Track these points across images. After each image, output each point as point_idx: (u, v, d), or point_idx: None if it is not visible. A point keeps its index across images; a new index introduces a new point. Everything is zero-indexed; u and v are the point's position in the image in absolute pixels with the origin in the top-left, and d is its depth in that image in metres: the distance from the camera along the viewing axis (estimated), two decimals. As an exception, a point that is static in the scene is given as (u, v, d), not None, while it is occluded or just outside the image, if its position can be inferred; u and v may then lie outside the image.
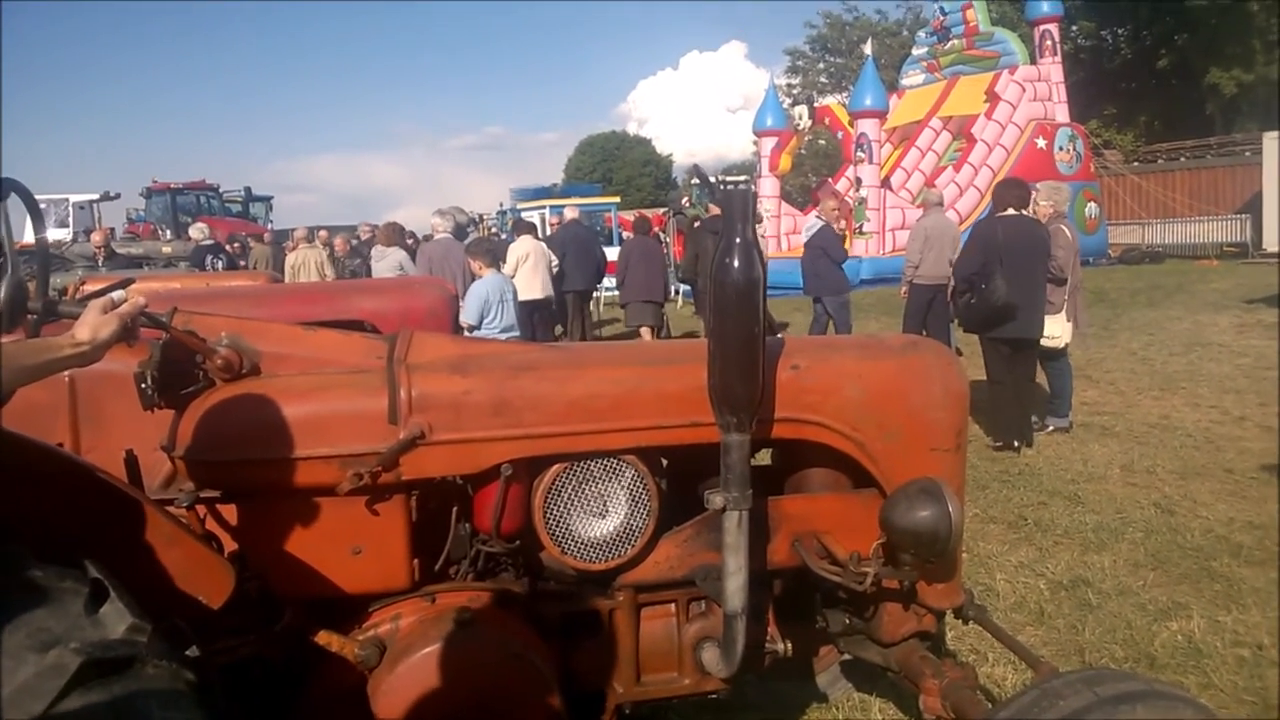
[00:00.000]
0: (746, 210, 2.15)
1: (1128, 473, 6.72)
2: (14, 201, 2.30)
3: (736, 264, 2.12)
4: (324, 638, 2.26)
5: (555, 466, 2.36)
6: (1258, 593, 4.54)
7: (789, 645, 2.60)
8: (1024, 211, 7.48)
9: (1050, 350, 7.74)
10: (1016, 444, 7.38)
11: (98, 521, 1.87)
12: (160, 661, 1.61)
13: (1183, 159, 30.38)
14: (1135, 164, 31.38)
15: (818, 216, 10.95)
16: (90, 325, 1.93)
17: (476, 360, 2.35)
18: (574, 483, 2.38)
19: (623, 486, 2.41)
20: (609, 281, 15.29)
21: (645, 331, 12.59)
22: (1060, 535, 5.50)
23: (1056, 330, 7.60)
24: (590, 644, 2.52)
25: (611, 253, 15.12)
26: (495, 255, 8.56)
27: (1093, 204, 23.68)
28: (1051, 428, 7.88)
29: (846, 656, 3.20)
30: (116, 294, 2.11)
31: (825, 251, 10.78)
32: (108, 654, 1.54)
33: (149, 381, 2.18)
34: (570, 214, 14.12)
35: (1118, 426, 8.02)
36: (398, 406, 2.21)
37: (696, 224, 14.37)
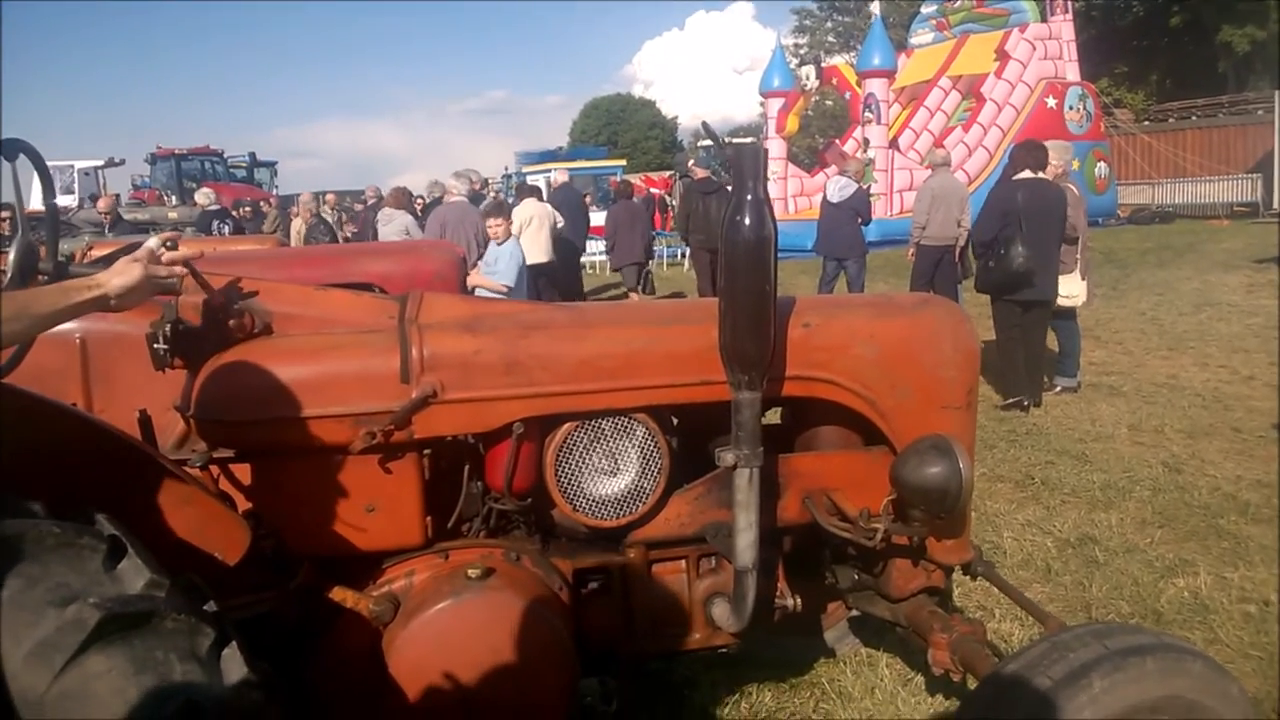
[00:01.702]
0: (757, 167, 2.14)
1: (1135, 432, 6.72)
2: (23, 166, 2.31)
3: (747, 222, 2.11)
4: (339, 594, 2.28)
5: (566, 425, 2.37)
6: (1264, 550, 4.55)
7: (798, 600, 2.62)
8: (1041, 174, 7.42)
9: (1060, 310, 7.71)
10: (1025, 403, 7.37)
11: (114, 480, 1.88)
12: (179, 616, 1.63)
13: (1194, 118, 30.05)
14: (1146, 123, 31.07)
15: (850, 178, 10.82)
16: (116, 271, 1.94)
17: (487, 319, 2.35)
18: (585, 441, 2.39)
19: (634, 444, 2.42)
20: (595, 245, 15.34)
21: (634, 296, 12.93)
22: (1067, 494, 5.52)
23: (1073, 289, 7.58)
24: (602, 599, 2.55)
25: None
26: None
27: (1103, 164, 23.46)
28: (1059, 388, 7.88)
29: (855, 613, 3.23)
30: (153, 242, 2.12)
31: (857, 213, 10.73)
32: (127, 609, 1.56)
33: (162, 341, 2.19)
34: (560, 178, 14.15)
35: (1126, 386, 8.01)
36: (410, 365, 2.21)
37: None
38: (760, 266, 2.13)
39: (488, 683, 2.22)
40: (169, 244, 2.11)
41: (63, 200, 24.09)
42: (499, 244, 7.73)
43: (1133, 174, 27.91)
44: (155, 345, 2.20)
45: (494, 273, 7.56)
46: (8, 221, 11.92)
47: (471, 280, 7.35)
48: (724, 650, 2.70)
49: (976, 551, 2.81)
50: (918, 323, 2.59)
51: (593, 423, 2.39)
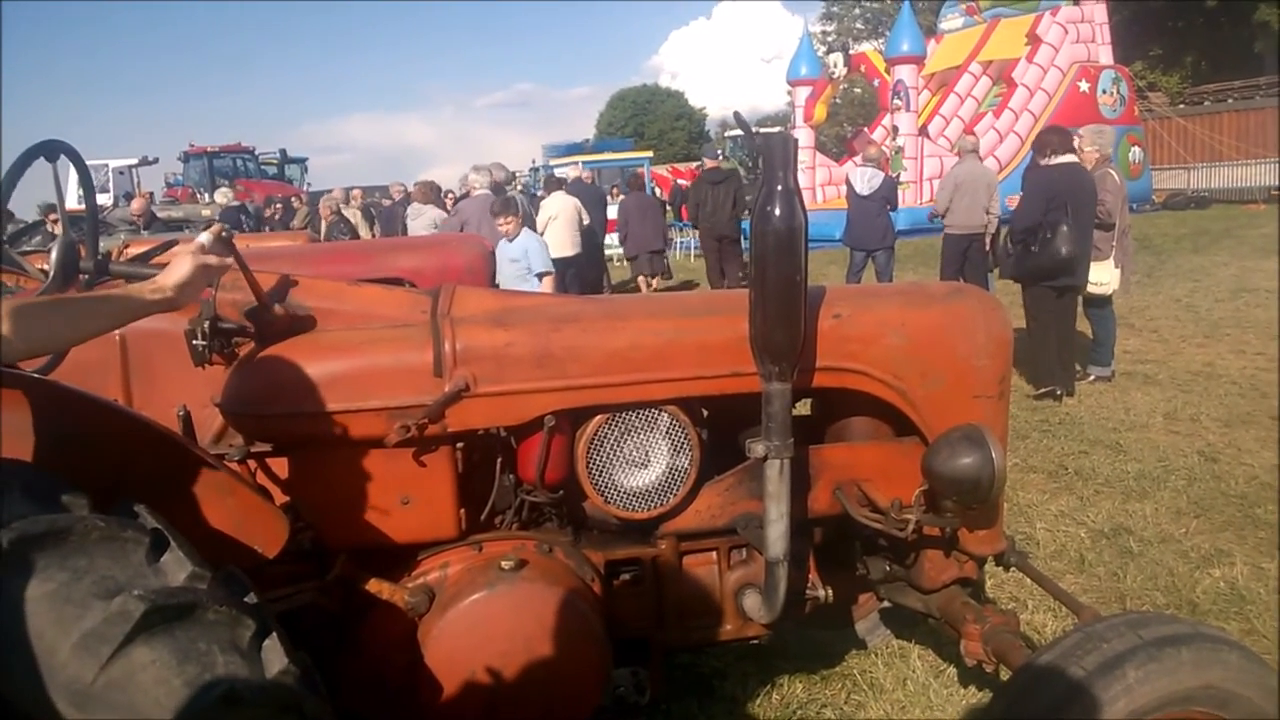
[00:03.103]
0: (787, 156, 2.13)
1: (1171, 421, 6.64)
2: (61, 166, 2.35)
3: (778, 211, 2.10)
4: (374, 586, 2.31)
5: (597, 417, 2.39)
6: (1303, 540, 4.50)
7: (829, 592, 2.62)
8: (1070, 157, 7.34)
9: (1095, 298, 7.63)
10: (1059, 392, 7.31)
11: (155, 473, 1.92)
12: (220, 607, 1.66)
13: (1230, 100, 29.55)
14: (1181, 106, 30.60)
15: (875, 167, 10.75)
16: (172, 270, 1.99)
17: (518, 313, 2.37)
18: (616, 433, 2.41)
19: (664, 436, 2.43)
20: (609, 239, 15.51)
21: (642, 282, 13.48)
22: (1101, 484, 5.47)
23: (1104, 277, 7.48)
24: (634, 591, 2.56)
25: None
26: (525, 212, 8.54)
27: (1137, 148, 23.14)
28: (1093, 376, 7.80)
29: (886, 604, 3.22)
30: (204, 236, 2.16)
31: (887, 201, 10.67)
32: (170, 600, 1.59)
33: (201, 338, 2.23)
34: (574, 172, 14.34)
35: (1161, 375, 7.91)
36: (442, 359, 2.24)
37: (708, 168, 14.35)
38: (791, 256, 2.12)
39: (521, 672, 2.24)
40: (224, 233, 2.15)
41: (98, 199, 24.40)
42: (510, 240, 7.65)
43: (1168, 158, 27.52)
44: (194, 341, 2.24)
45: (530, 264, 7.62)
46: (57, 222, 12.11)
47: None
48: (755, 641, 2.71)
49: (1009, 542, 2.79)
50: (950, 312, 2.58)
51: (623, 415, 2.40)
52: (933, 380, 2.52)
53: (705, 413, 2.66)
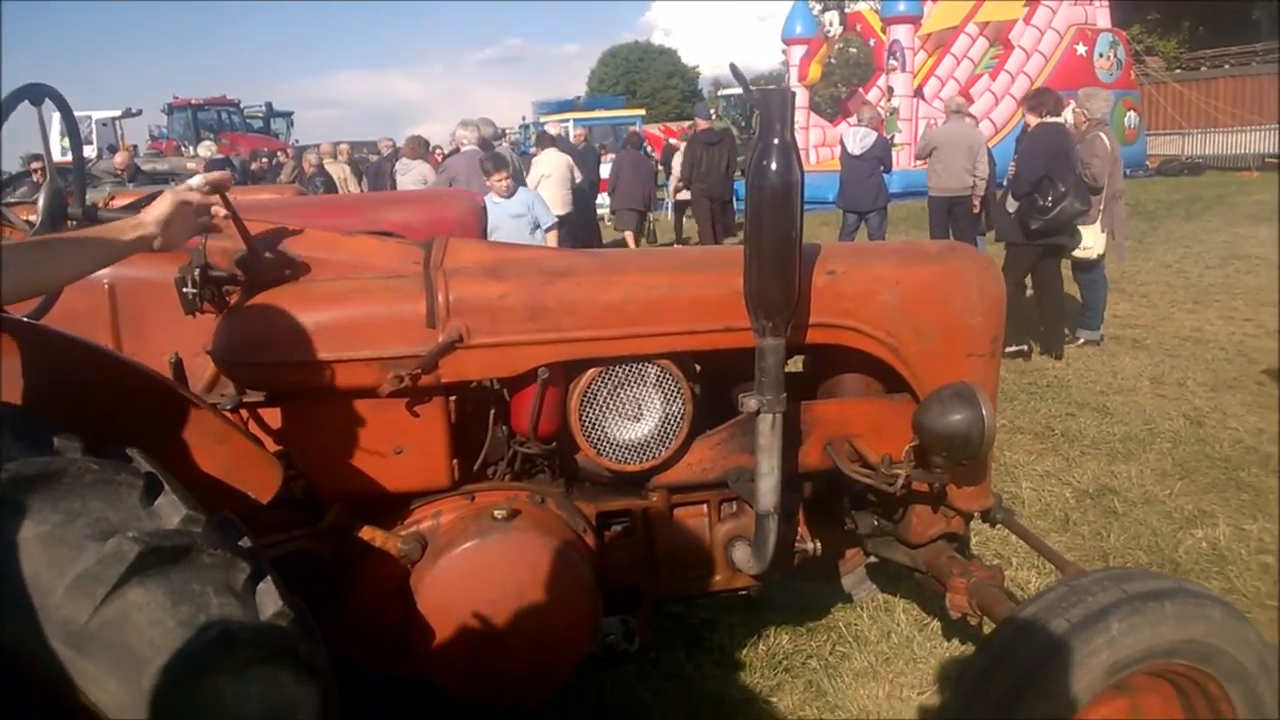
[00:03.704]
0: (785, 112, 2.11)
1: (1158, 385, 6.69)
2: (48, 113, 2.32)
3: (774, 167, 2.10)
4: (368, 533, 2.33)
5: (591, 370, 2.39)
6: (1285, 502, 4.55)
7: (818, 545, 2.65)
8: (1059, 119, 7.36)
9: (1083, 261, 7.64)
10: (1028, 350, 7.44)
11: (148, 419, 1.92)
12: (215, 551, 1.67)
13: (1227, 66, 29.37)
14: (1178, 71, 30.41)
15: (869, 126, 10.67)
16: (155, 206, 1.97)
17: (512, 265, 2.36)
18: (609, 386, 2.41)
19: (657, 390, 2.44)
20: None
21: (629, 237, 13.59)
22: (1087, 445, 5.52)
23: (1089, 240, 7.48)
24: (625, 542, 2.58)
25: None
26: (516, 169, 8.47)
27: (1132, 113, 23.00)
28: (1082, 340, 7.83)
29: (872, 559, 3.26)
30: (195, 180, 2.14)
31: (880, 161, 10.62)
32: (165, 543, 1.60)
33: (191, 286, 2.21)
34: (554, 129, 14.34)
35: (1149, 339, 7.95)
36: (436, 310, 2.23)
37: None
38: (786, 212, 2.12)
39: (512, 620, 2.26)
40: (214, 185, 2.13)
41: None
42: (507, 197, 7.51)
43: (1163, 124, 27.40)
44: (184, 289, 2.22)
45: (536, 217, 7.58)
46: (41, 170, 12.00)
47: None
48: (744, 593, 2.74)
49: (996, 499, 2.82)
50: (944, 270, 2.58)
51: (617, 368, 2.40)
52: (925, 338, 2.53)
53: (699, 367, 2.67)
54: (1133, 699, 2.12)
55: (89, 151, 23.26)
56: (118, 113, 27.45)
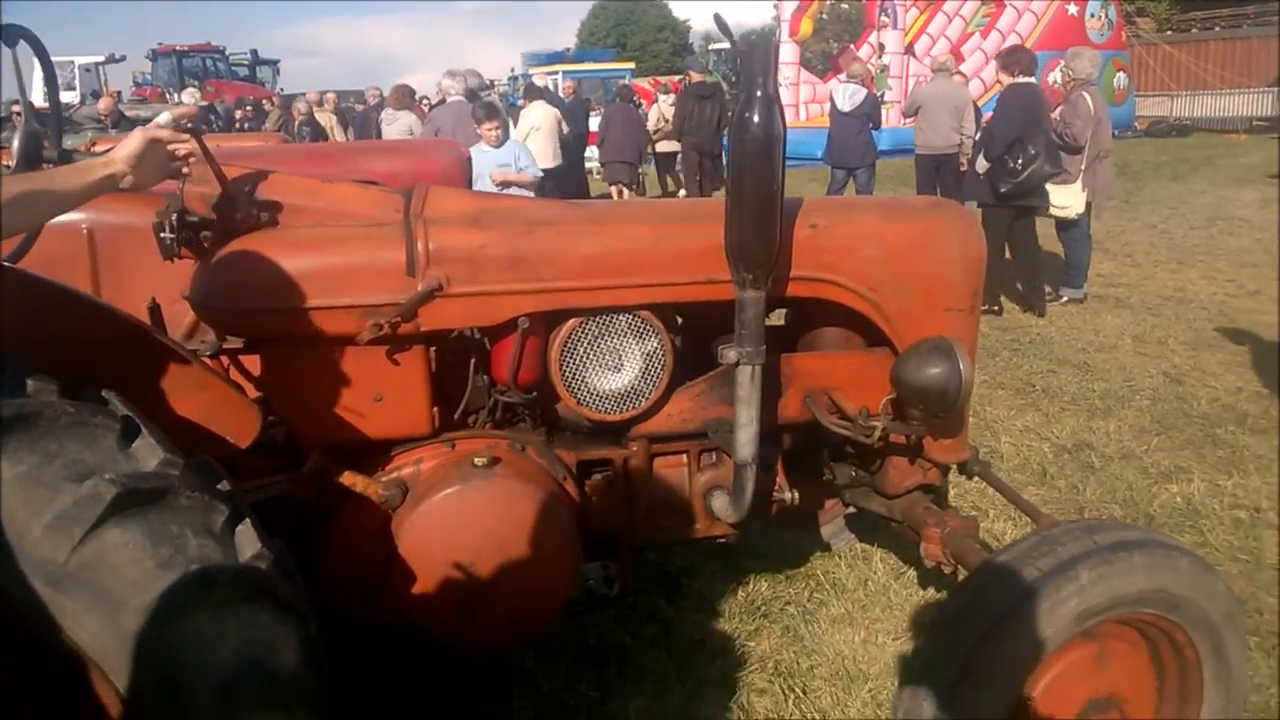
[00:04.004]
0: (768, 62, 2.09)
1: (1139, 343, 6.74)
2: (25, 57, 2.29)
3: (756, 119, 2.08)
4: (349, 478, 2.34)
5: (571, 320, 2.39)
6: (1259, 459, 4.62)
7: (796, 494, 2.68)
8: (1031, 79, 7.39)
9: (1064, 220, 7.66)
10: (996, 309, 7.49)
11: (127, 364, 1.92)
12: (193, 493, 1.68)
13: (1217, 28, 29.24)
14: (1168, 33, 30.23)
15: (859, 83, 10.59)
16: (125, 144, 1.95)
17: (493, 214, 2.35)
18: (589, 337, 2.42)
19: (637, 341, 2.45)
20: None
21: (615, 190, 13.57)
22: (1067, 402, 5.57)
23: (1068, 200, 7.49)
24: (605, 490, 2.60)
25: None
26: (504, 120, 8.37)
27: (1122, 74, 22.91)
28: (1065, 298, 7.87)
29: (851, 510, 3.30)
30: (163, 118, 2.11)
31: (870, 118, 10.55)
32: (142, 485, 1.61)
33: (168, 230, 2.19)
34: (540, 82, 14.27)
35: (1132, 298, 8.00)
36: (415, 259, 2.22)
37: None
38: (768, 165, 2.11)
39: (492, 565, 2.29)
40: (185, 123, 2.10)
41: (65, 97, 23.76)
42: (495, 147, 7.45)
43: (1152, 85, 27.30)
44: (162, 234, 2.20)
45: (521, 167, 7.48)
46: (20, 113, 11.79)
47: (498, 177, 7.25)
48: (722, 540, 2.77)
49: (973, 451, 2.85)
50: (927, 226, 2.59)
51: (597, 319, 2.41)
52: (906, 293, 2.54)
53: (680, 319, 2.67)
54: (1101, 645, 2.16)
55: (71, 97, 22.89)
56: (101, 58, 26.94)
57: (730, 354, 2.29)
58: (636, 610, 3.32)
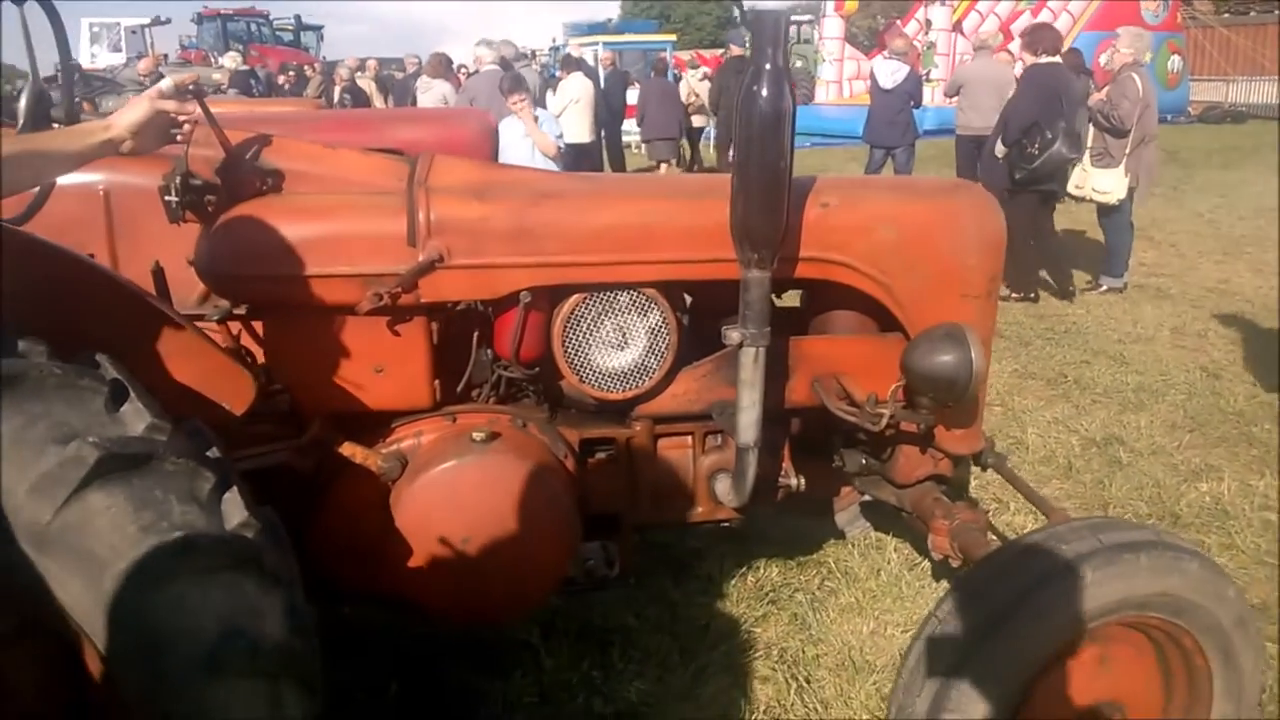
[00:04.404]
0: (778, 35, 2.03)
1: (1178, 335, 6.58)
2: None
3: (765, 93, 2.02)
4: (348, 449, 2.33)
5: (575, 296, 2.36)
6: (1294, 459, 4.49)
7: (802, 480, 2.64)
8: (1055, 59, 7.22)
9: (1105, 206, 7.47)
10: (1014, 296, 7.35)
11: (121, 328, 1.91)
12: (179, 459, 1.67)
13: (1278, 12, 28.31)
14: (1225, 15, 29.35)
15: (902, 60, 10.38)
16: (125, 109, 1.94)
17: (498, 186, 2.32)
18: (593, 313, 2.38)
19: (642, 319, 2.41)
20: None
21: (664, 167, 13.39)
22: (1099, 394, 5.45)
23: (1109, 184, 7.30)
24: (607, 469, 2.58)
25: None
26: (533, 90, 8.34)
27: (1176, 57, 22.30)
28: (1105, 287, 7.70)
29: (867, 498, 3.25)
30: (165, 82, 2.10)
31: (911, 96, 10.35)
32: (126, 449, 1.60)
33: (173, 194, 2.18)
34: (576, 53, 14.19)
35: (1174, 289, 7.81)
36: (416, 229, 2.20)
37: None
38: (776, 141, 2.05)
39: (488, 541, 2.27)
40: (189, 88, 2.09)
41: (111, 58, 24.15)
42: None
43: (1208, 69, 26.56)
44: (166, 198, 2.19)
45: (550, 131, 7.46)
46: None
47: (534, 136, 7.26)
48: (727, 525, 2.74)
49: (989, 442, 2.79)
50: (942, 208, 2.51)
51: (601, 295, 2.37)
52: (919, 276, 2.47)
53: (689, 298, 2.63)
54: (1103, 649, 2.10)
55: (118, 59, 23.17)
56: (146, 20, 27.22)
57: (733, 335, 2.25)
58: (644, 591, 3.31)
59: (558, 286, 2.33)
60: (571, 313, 2.36)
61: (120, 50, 24.90)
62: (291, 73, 18.37)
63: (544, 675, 2.90)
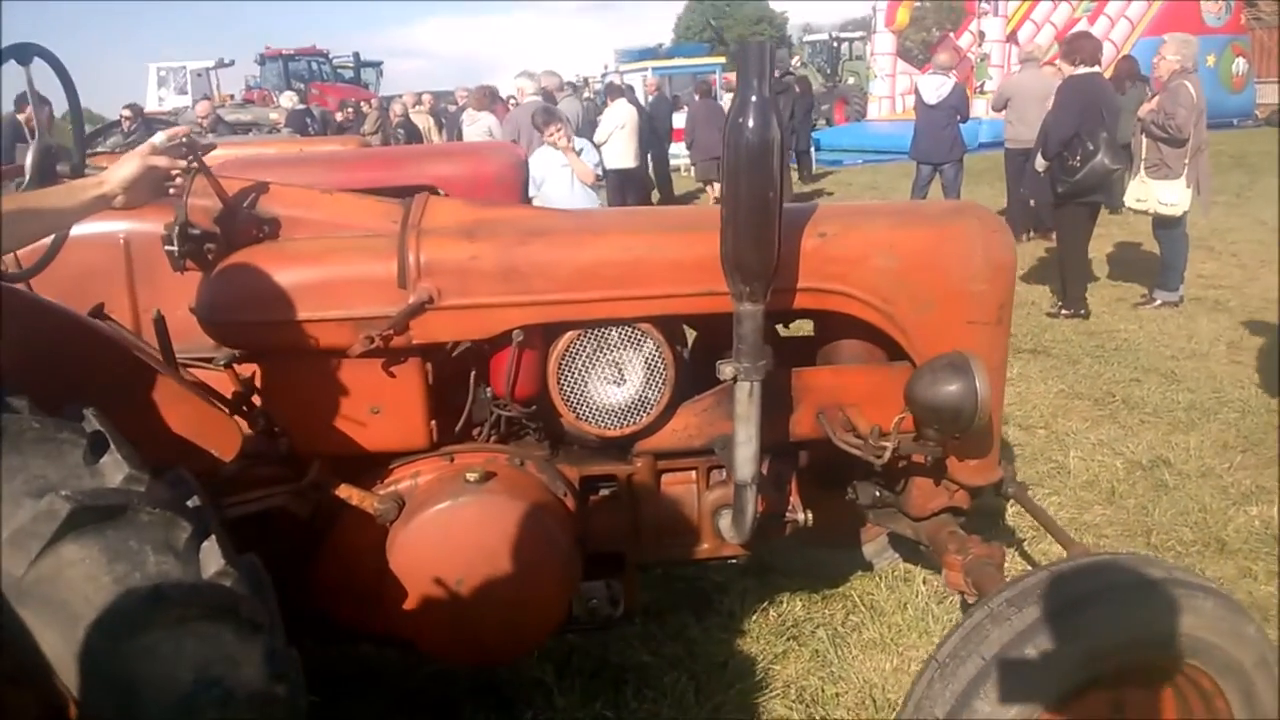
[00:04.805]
0: (763, 66, 2.01)
1: (1234, 350, 6.35)
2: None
3: (751, 124, 1.99)
4: (345, 491, 2.34)
5: (568, 334, 2.35)
6: (1353, 481, 4.28)
7: (810, 515, 2.58)
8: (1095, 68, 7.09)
9: (1164, 218, 7.25)
10: (1062, 313, 7.24)
11: (110, 380, 1.96)
12: (155, 510, 1.69)
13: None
14: (1293, 15, 28.45)
15: (946, 74, 10.25)
16: (117, 166, 1.99)
17: (488, 225, 2.32)
18: (588, 350, 2.36)
19: (637, 354, 2.38)
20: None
21: (711, 187, 13.42)
22: (1148, 414, 5.28)
23: (1173, 196, 7.08)
24: (610, 506, 2.55)
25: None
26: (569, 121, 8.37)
27: (1241, 59, 21.67)
28: (1159, 301, 7.48)
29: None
30: (157, 138, 2.15)
31: (957, 111, 10.21)
32: (99, 501, 1.63)
33: (174, 244, 2.23)
34: (618, 81, 14.28)
35: (1232, 301, 7.54)
36: (406, 271, 2.21)
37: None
38: (763, 171, 2.02)
39: (484, 583, 2.26)
40: (181, 140, 2.14)
41: (178, 100, 25.06)
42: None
43: (1274, 71, 25.73)
44: (167, 247, 2.24)
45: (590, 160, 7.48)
46: (130, 118, 12.39)
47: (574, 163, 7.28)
48: (733, 561, 2.71)
49: (1009, 471, 2.70)
50: (945, 233, 2.45)
51: (595, 332, 2.35)
52: (923, 304, 2.41)
53: (692, 332, 2.60)
54: (1115, 694, 2.01)
55: (184, 101, 23.99)
56: (210, 63, 28.16)
57: (727, 370, 2.21)
58: (663, 628, 3.27)
59: (550, 324, 2.32)
60: (565, 350, 2.35)
61: (186, 93, 25.79)
62: (350, 109, 18.84)
63: (556, 715, 2.87)
